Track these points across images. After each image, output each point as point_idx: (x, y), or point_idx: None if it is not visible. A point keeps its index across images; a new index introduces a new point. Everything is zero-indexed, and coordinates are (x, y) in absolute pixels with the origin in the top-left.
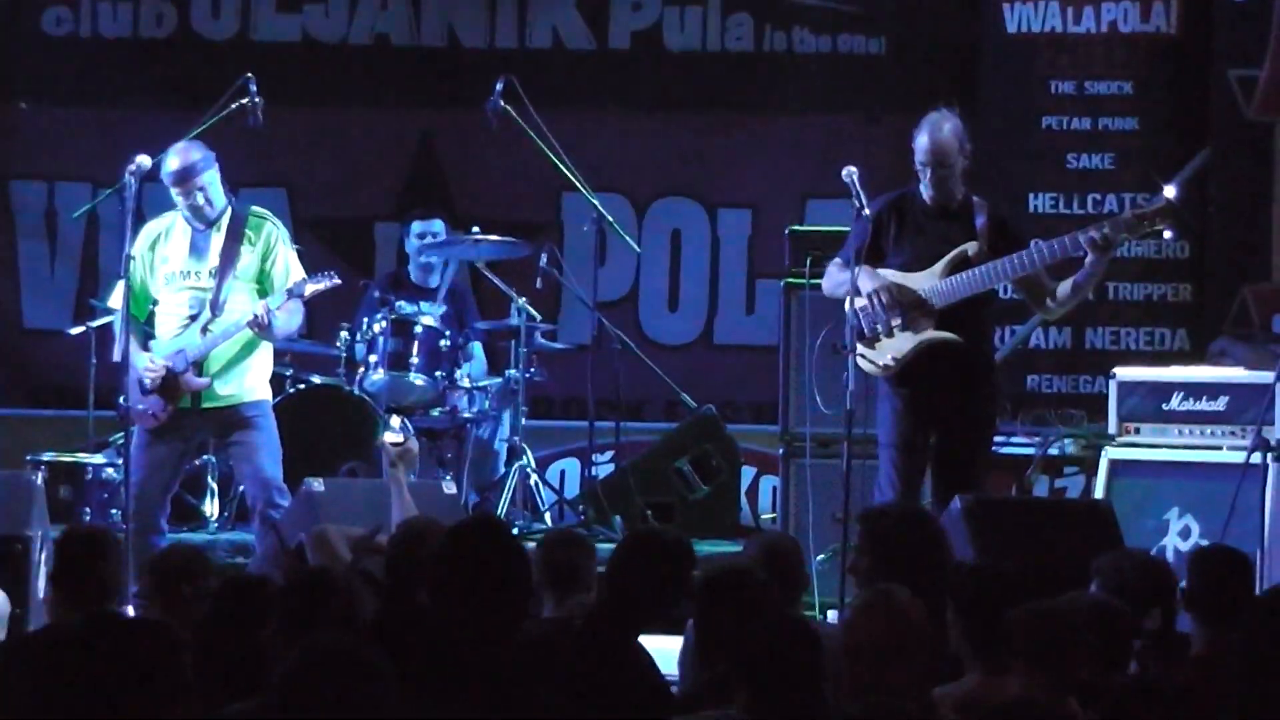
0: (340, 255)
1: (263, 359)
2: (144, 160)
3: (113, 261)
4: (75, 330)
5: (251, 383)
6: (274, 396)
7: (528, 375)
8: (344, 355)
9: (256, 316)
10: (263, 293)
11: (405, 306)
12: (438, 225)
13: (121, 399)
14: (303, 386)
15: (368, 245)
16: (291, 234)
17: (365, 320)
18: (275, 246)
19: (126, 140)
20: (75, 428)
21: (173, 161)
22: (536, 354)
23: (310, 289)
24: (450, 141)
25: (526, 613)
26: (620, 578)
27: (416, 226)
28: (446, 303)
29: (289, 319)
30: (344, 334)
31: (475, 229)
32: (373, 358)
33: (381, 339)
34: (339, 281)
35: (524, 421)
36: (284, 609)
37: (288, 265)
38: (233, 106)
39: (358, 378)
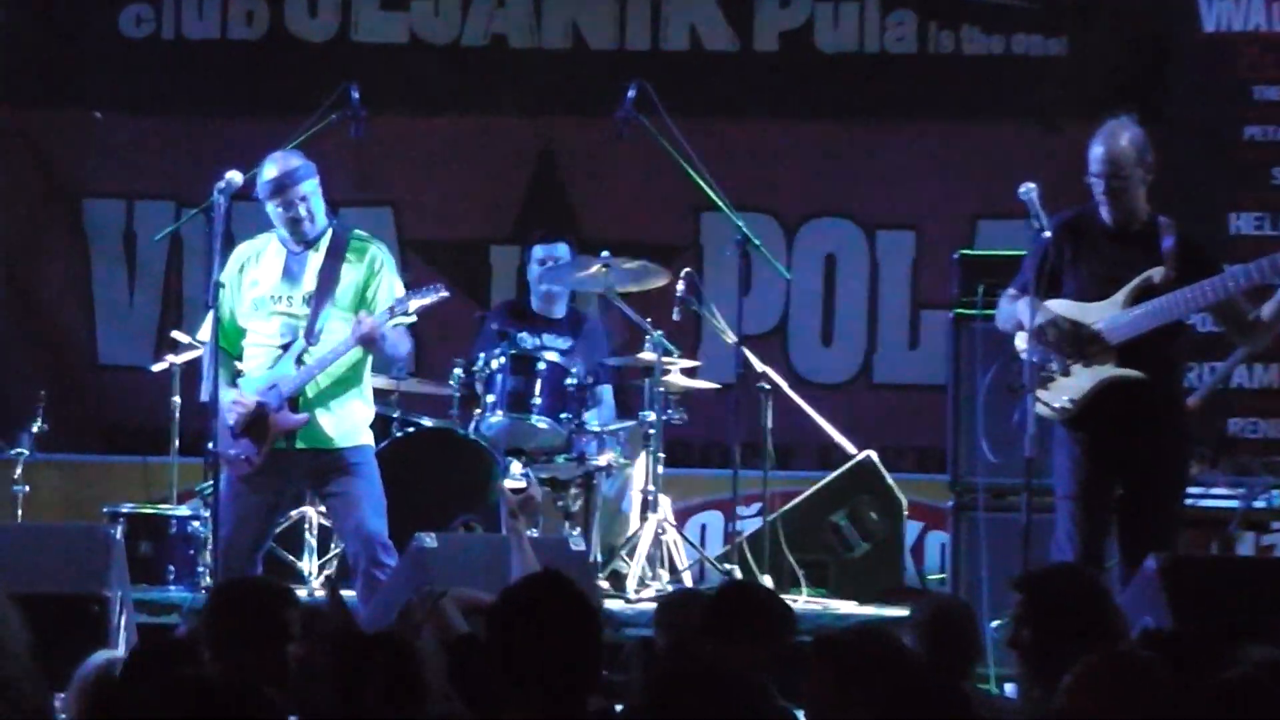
0: (452, 282)
1: (364, 400)
2: (234, 176)
3: (198, 289)
4: (157, 367)
5: (352, 425)
6: (377, 441)
7: (664, 417)
8: (458, 395)
9: (360, 324)
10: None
11: (527, 340)
12: (562, 249)
13: (210, 444)
14: (411, 430)
15: (483, 271)
16: (397, 259)
17: (482, 355)
18: (379, 272)
19: (214, 153)
20: (157, 475)
21: (270, 170)
22: (674, 394)
23: (415, 304)
24: (575, 155)
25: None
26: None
27: (539, 251)
28: (572, 336)
29: (398, 340)
30: (458, 371)
31: (604, 253)
32: (490, 398)
33: (500, 377)
34: (446, 294)
35: (660, 470)
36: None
37: (392, 291)
38: (332, 117)
39: (474, 420)
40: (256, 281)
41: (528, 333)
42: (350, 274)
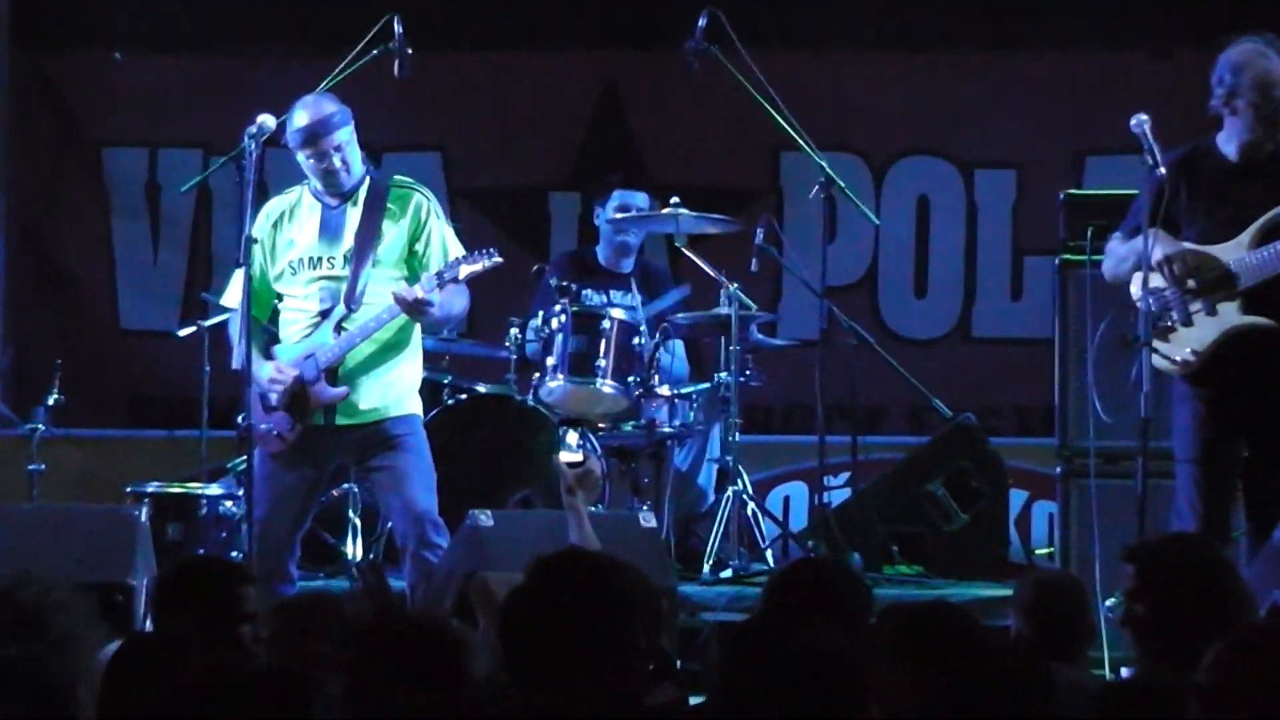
0: (508, 234)
1: (412, 364)
2: (266, 120)
3: (229, 246)
4: (184, 332)
5: (398, 393)
6: (426, 410)
7: (741, 379)
8: (514, 357)
9: (403, 293)
10: (411, 281)
11: (591, 296)
12: (641, 199)
13: (241, 417)
14: (463, 397)
15: (541, 221)
16: (446, 208)
17: (541, 313)
18: (427, 221)
19: (244, 96)
20: (185, 451)
21: (301, 116)
22: (752, 353)
23: (466, 270)
24: (640, 91)
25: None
26: None
27: (617, 198)
28: (641, 291)
29: (451, 299)
30: (514, 331)
31: (674, 199)
32: (550, 360)
33: (561, 336)
34: (500, 260)
35: (737, 437)
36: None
37: (444, 243)
38: (374, 53)
39: (532, 385)
40: (293, 242)
41: (592, 288)
42: (393, 228)
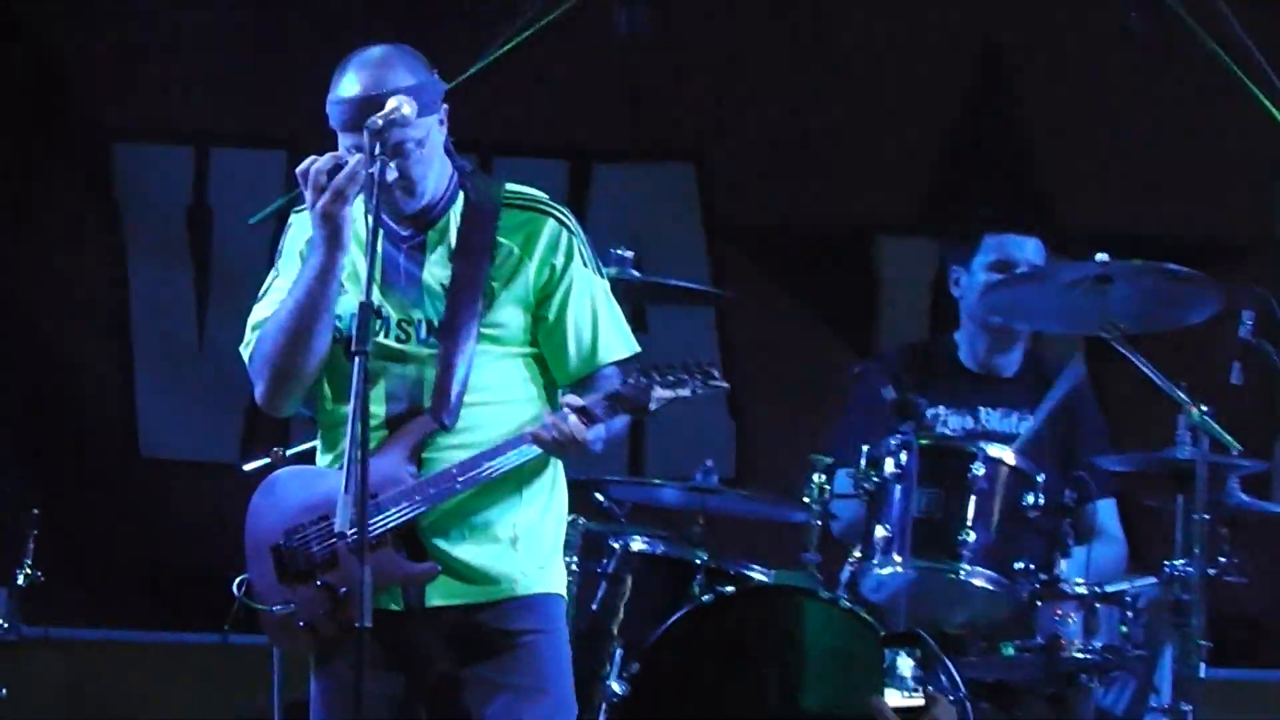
0: (799, 300)
1: (550, 506)
2: (398, 102)
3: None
4: (254, 465)
5: (529, 556)
6: (665, 610)
7: (1213, 571)
8: (818, 523)
9: (544, 436)
10: (543, 365)
11: (949, 419)
12: (1032, 248)
13: (239, 582)
14: (729, 590)
15: (862, 285)
16: (698, 245)
17: (865, 447)
18: (569, 268)
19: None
20: (248, 664)
21: (351, 82)
22: (1230, 525)
23: (660, 396)
24: (1041, 66)
25: None
26: None
27: (989, 247)
28: (1034, 410)
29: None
30: (818, 478)
31: (1100, 255)
32: (881, 530)
33: (900, 489)
34: (724, 386)
35: (1203, 671)
36: None
37: (595, 314)
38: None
39: (847, 569)
40: (341, 289)
41: (950, 406)
42: (512, 277)
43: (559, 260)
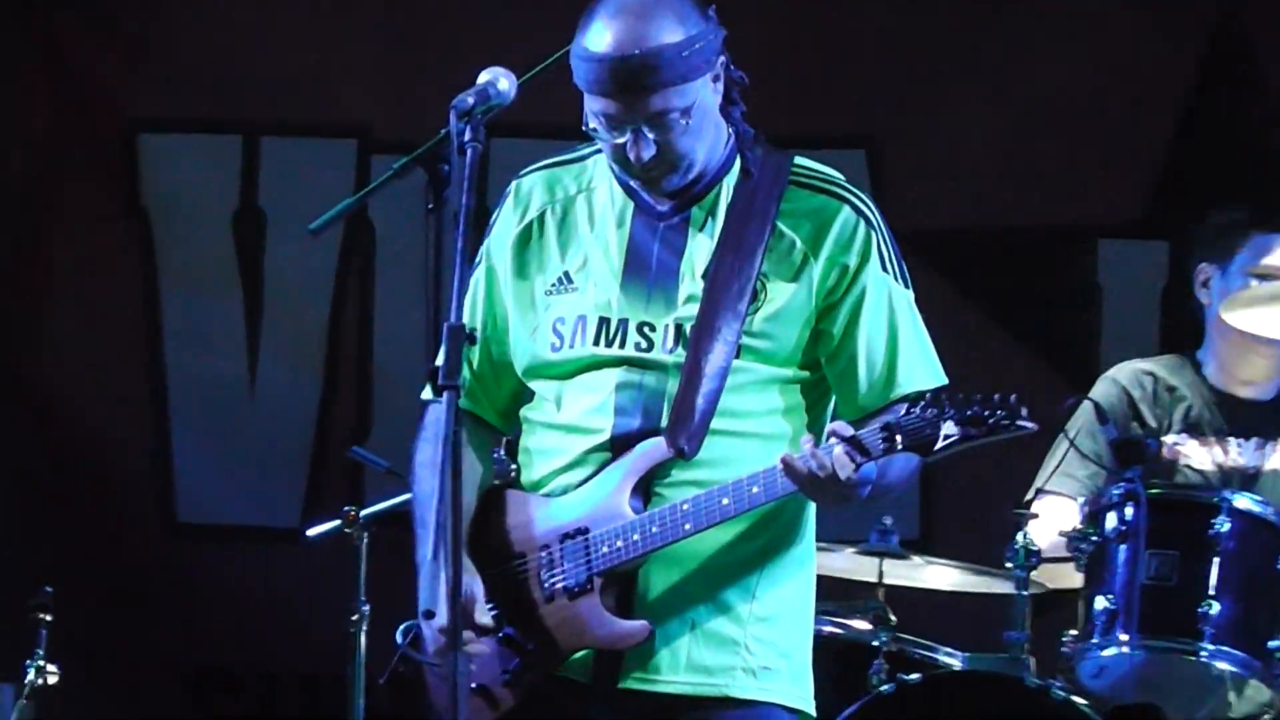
0: (993, 319)
1: (797, 581)
2: (500, 81)
3: (410, 344)
4: (318, 530)
5: (770, 650)
6: (841, 702)
7: None
8: (1024, 593)
9: (799, 467)
10: (816, 397)
11: (1193, 451)
12: None
13: (403, 629)
14: (915, 678)
15: (1078, 296)
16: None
17: (1081, 499)
18: (863, 271)
19: (446, 38)
20: None
21: (601, 34)
22: None
23: (950, 435)
24: None
25: None
26: None
27: (1258, 245)
28: None
29: (891, 464)
30: (1022, 538)
31: None
32: (1103, 600)
33: (1126, 550)
34: (1034, 427)
35: None
36: None
37: (894, 332)
38: None
39: (1064, 649)
40: (565, 279)
41: (1193, 434)
42: (794, 275)
43: (852, 260)
